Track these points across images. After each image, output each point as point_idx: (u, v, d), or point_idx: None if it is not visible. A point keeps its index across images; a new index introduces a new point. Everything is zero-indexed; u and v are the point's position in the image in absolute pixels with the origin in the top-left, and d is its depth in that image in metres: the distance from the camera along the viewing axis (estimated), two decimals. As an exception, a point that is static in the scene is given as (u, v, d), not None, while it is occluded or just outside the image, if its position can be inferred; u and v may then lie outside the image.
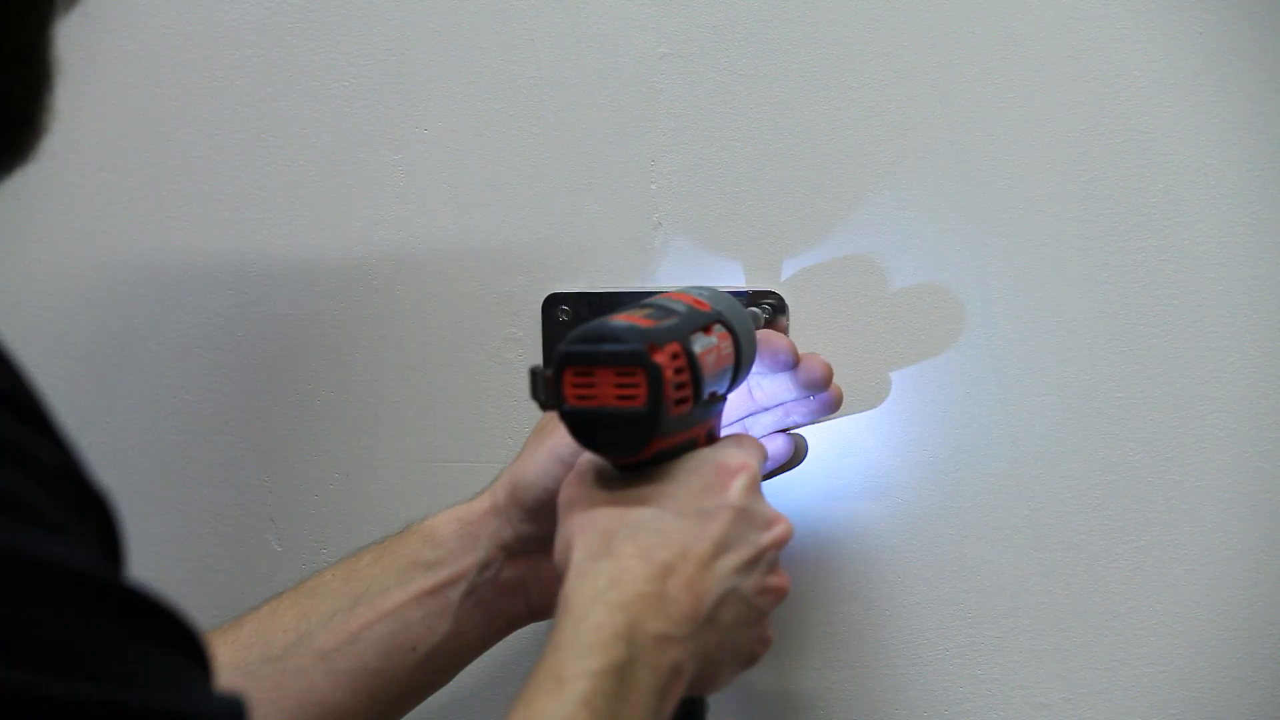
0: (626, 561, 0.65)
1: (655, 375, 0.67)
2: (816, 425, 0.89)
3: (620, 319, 0.69)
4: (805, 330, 0.90)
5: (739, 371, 0.76)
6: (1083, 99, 0.88)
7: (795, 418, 0.85)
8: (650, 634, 0.63)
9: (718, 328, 0.73)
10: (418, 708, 0.80)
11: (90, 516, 0.48)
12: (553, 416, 0.74)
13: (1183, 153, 0.87)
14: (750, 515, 0.70)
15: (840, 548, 0.90)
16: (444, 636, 0.78)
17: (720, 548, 0.68)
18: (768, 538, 0.71)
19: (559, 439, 0.76)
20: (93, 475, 0.49)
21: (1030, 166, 0.88)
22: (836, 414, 0.90)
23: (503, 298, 0.92)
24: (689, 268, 0.91)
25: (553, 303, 0.91)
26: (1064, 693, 0.89)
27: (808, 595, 0.90)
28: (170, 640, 0.48)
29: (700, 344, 0.70)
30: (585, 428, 0.69)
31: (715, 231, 0.90)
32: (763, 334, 0.81)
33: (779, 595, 0.72)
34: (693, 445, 0.72)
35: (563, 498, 0.71)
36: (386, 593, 0.77)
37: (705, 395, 0.71)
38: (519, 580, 0.79)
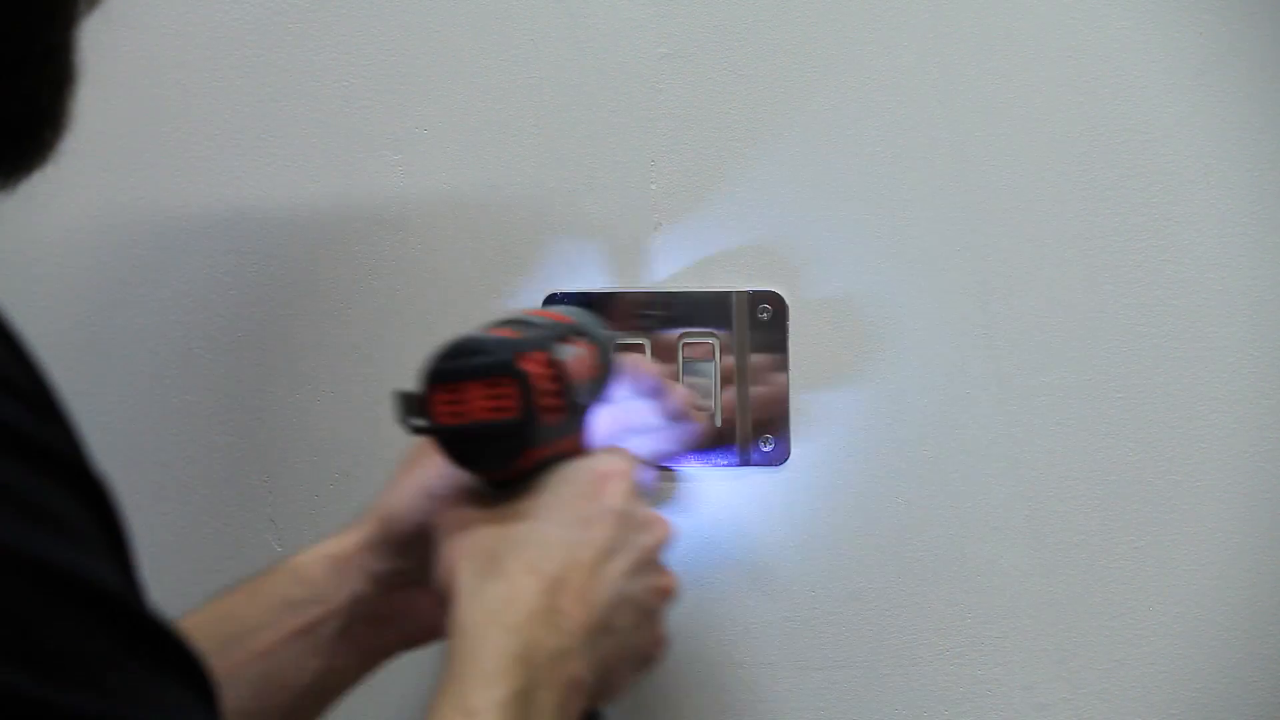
0: (516, 579, 0.65)
1: (525, 383, 0.67)
2: (814, 425, 0.90)
3: (482, 333, 0.69)
4: (805, 330, 0.90)
5: (605, 383, 0.76)
6: (1083, 99, 0.88)
7: (661, 446, 0.85)
8: (547, 652, 0.63)
9: (581, 339, 0.74)
10: None
11: (91, 505, 0.48)
12: (420, 447, 0.75)
13: (1183, 153, 0.87)
14: (631, 519, 0.70)
15: (840, 548, 0.90)
16: (316, 673, 0.76)
17: (605, 554, 0.68)
18: (650, 539, 0.71)
19: (427, 471, 0.75)
20: (94, 462, 0.49)
21: (1030, 166, 0.88)
22: (836, 417, 0.90)
23: (503, 298, 0.92)
24: (689, 268, 0.91)
25: (553, 302, 0.91)
26: (1064, 693, 0.89)
27: (808, 595, 0.90)
28: (176, 669, 0.48)
29: (566, 353, 0.70)
30: (459, 445, 0.68)
31: (715, 231, 0.90)
32: (630, 359, 0.81)
33: (668, 595, 0.73)
34: (565, 457, 0.72)
35: (441, 521, 0.70)
36: (257, 633, 0.75)
37: (576, 402, 0.71)
38: (392, 613, 0.78)
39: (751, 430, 0.90)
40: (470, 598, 0.65)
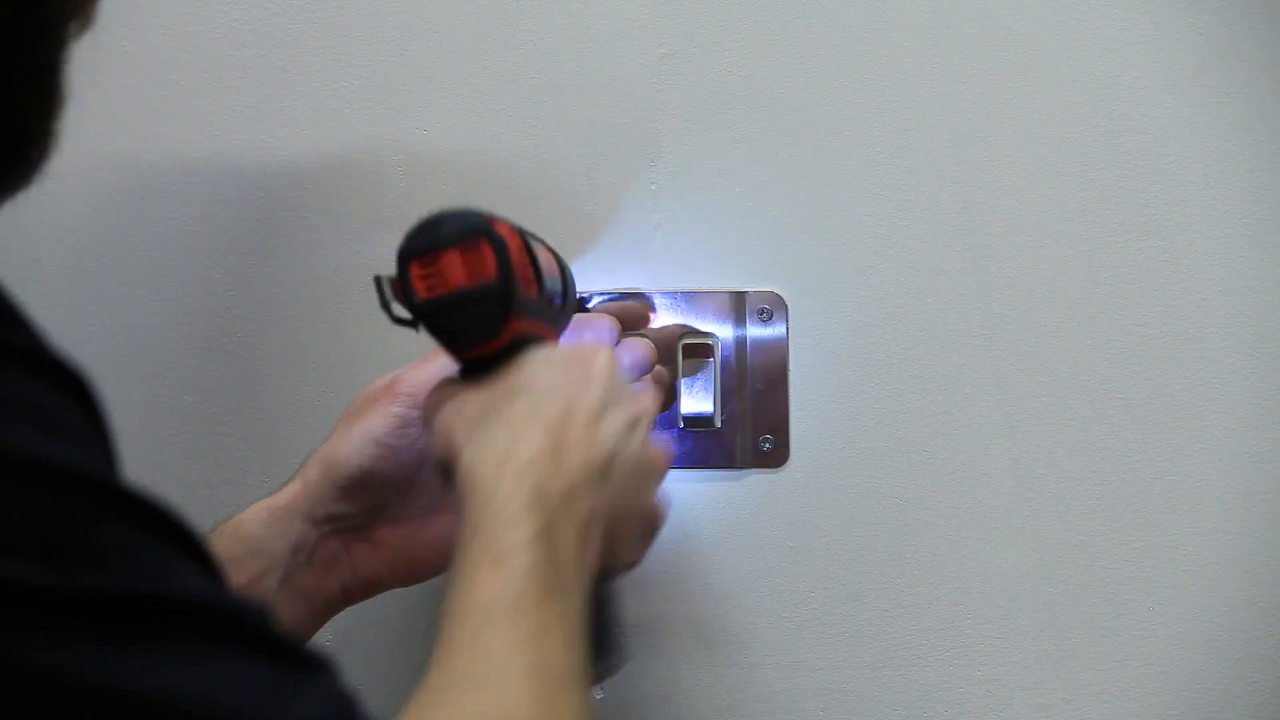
0: (518, 425, 0.64)
1: (500, 244, 0.66)
2: (814, 425, 0.89)
3: (451, 218, 0.67)
4: (805, 330, 0.90)
5: (566, 287, 0.75)
6: (1083, 99, 0.88)
7: None
8: (559, 490, 0.63)
9: (537, 241, 0.73)
10: None
11: (68, 392, 0.49)
12: (366, 398, 0.75)
13: (1183, 153, 0.87)
14: (619, 386, 0.70)
15: (840, 548, 0.90)
16: None
17: (600, 408, 0.67)
18: (642, 404, 0.71)
19: (372, 419, 0.76)
20: (67, 355, 0.49)
21: (1030, 166, 0.88)
22: (836, 417, 0.90)
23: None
24: (689, 268, 0.91)
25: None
26: (1064, 693, 0.89)
27: (808, 595, 0.90)
28: (177, 542, 0.50)
29: (531, 238, 0.70)
30: (443, 318, 0.67)
31: (715, 231, 0.90)
32: (582, 316, 0.82)
33: (661, 468, 0.72)
34: (543, 340, 0.71)
35: (427, 406, 0.70)
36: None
37: (546, 288, 0.70)
38: (333, 559, 0.78)
39: (751, 430, 0.90)
40: (475, 449, 0.64)
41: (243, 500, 0.94)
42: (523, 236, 0.69)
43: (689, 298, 0.90)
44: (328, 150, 0.93)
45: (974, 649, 0.90)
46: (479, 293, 0.66)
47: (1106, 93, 0.88)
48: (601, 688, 0.91)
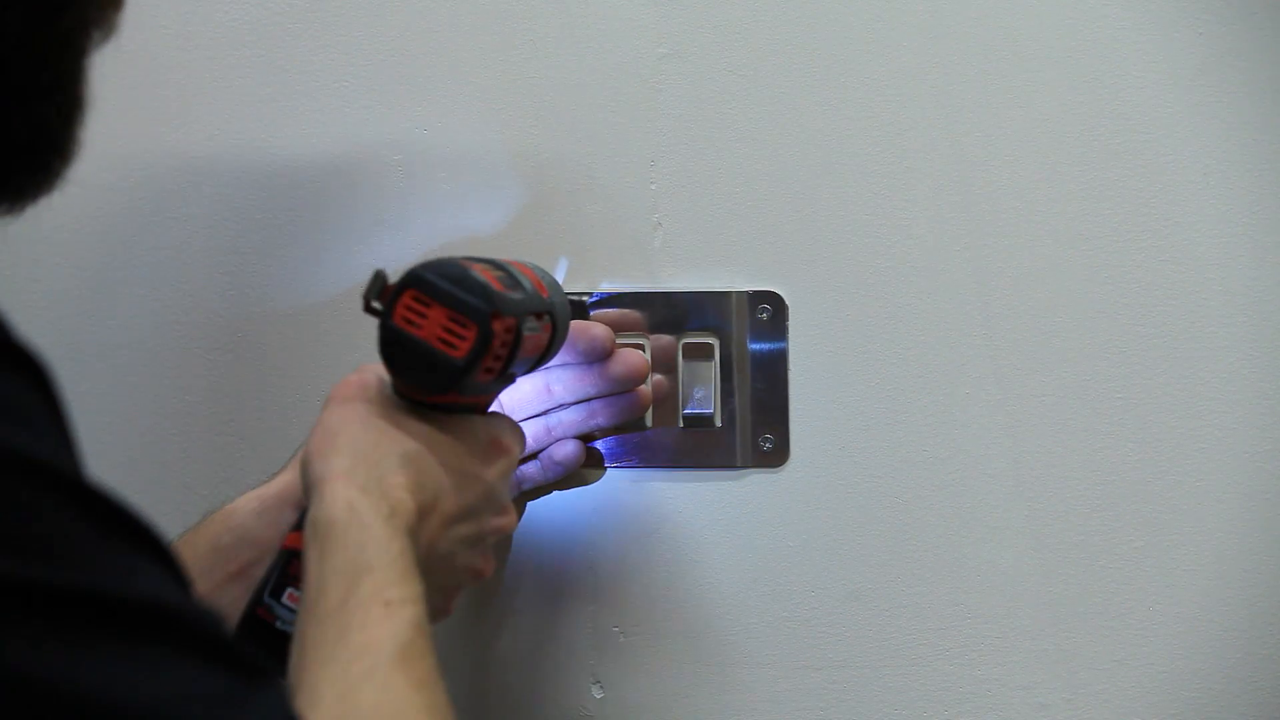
0: (399, 495, 0.66)
1: (485, 338, 0.68)
2: (814, 425, 0.89)
3: (478, 272, 0.70)
4: (805, 330, 0.90)
5: (540, 361, 0.78)
6: (1083, 99, 0.88)
7: (600, 420, 0.87)
8: (421, 564, 0.66)
9: (545, 318, 0.76)
10: None
11: (27, 380, 0.49)
12: (356, 383, 0.76)
13: (1183, 153, 0.87)
14: (494, 497, 0.74)
15: (840, 548, 0.90)
16: None
17: (462, 515, 0.71)
18: (497, 523, 0.75)
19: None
20: (27, 341, 0.49)
21: (1030, 167, 0.88)
22: (836, 417, 0.90)
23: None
24: (689, 268, 0.91)
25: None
26: (1064, 693, 0.89)
27: (808, 595, 0.90)
28: (132, 537, 0.49)
29: (529, 327, 0.72)
30: (395, 347, 0.69)
31: (715, 231, 0.90)
32: (579, 324, 0.83)
33: (479, 576, 0.75)
34: (471, 410, 0.75)
35: (337, 391, 0.72)
36: (196, 582, 0.75)
37: (506, 373, 0.72)
38: None
39: (751, 430, 0.91)
40: (364, 491, 0.65)
41: (243, 500, 0.94)
42: (518, 332, 0.71)
43: (689, 298, 0.90)
44: (328, 150, 0.93)
45: (974, 649, 0.90)
46: (439, 358, 0.69)
47: (1106, 93, 0.88)
48: (602, 687, 0.91)
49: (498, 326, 0.69)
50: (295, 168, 0.93)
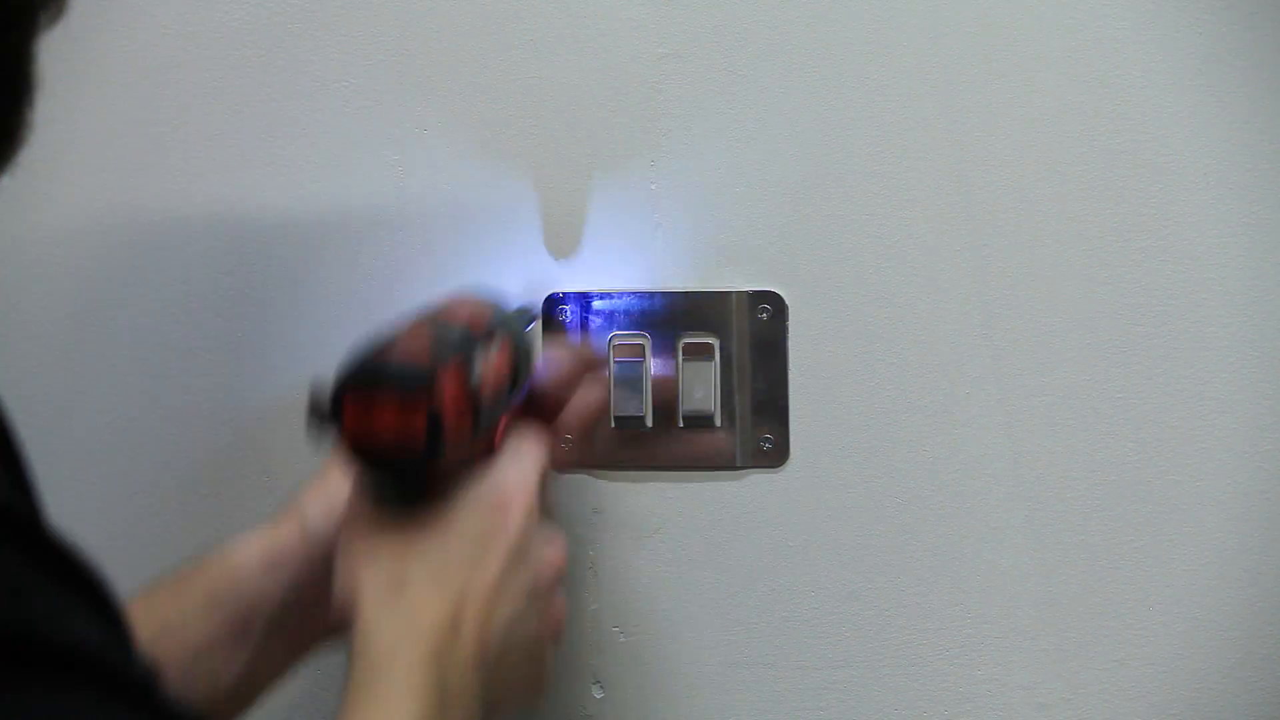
0: (424, 589, 0.65)
1: (435, 422, 0.64)
2: (814, 425, 0.89)
3: (400, 356, 0.65)
4: (805, 330, 0.90)
5: (519, 381, 0.75)
6: (1083, 99, 0.88)
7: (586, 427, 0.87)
8: (453, 663, 0.64)
9: (499, 333, 0.72)
10: None
11: None
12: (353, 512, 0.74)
13: (1183, 153, 0.87)
14: (526, 550, 0.70)
15: (840, 548, 0.90)
16: (246, 664, 0.76)
17: (500, 586, 0.68)
18: (543, 570, 0.71)
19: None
20: None
21: (1030, 166, 0.88)
22: (836, 417, 0.90)
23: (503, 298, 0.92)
24: (689, 268, 0.91)
25: (553, 302, 0.91)
26: (1064, 693, 0.89)
27: (808, 595, 0.90)
28: (77, 585, 0.48)
29: (478, 365, 0.68)
30: (365, 467, 0.67)
31: (715, 231, 0.90)
32: (547, 347, 0.83)
33: (557, 627, 0.73)
34: (473, 462, 0.71)
35: (343, 529, 0.70)
36: (187, 627, 0.74)
37: (482, 422, 0.69)
38: (321, 597, 0.76)
39: (751, 430, 0.91)
40: (378, 611, 0.65)
41: (242, 501, 0.94)
42: (470, 391, 0.66)
43: (689, 298, 0.90)
44: (327, 150, 0.93)
45: (974, 649, 0.90)
46: (402, 463, 0.65)
47: (1106, 93, 0.88)
48: (602, 687, 0.91)
49: (446, 388, 0.64)
50: (294, 167, 0.93)
